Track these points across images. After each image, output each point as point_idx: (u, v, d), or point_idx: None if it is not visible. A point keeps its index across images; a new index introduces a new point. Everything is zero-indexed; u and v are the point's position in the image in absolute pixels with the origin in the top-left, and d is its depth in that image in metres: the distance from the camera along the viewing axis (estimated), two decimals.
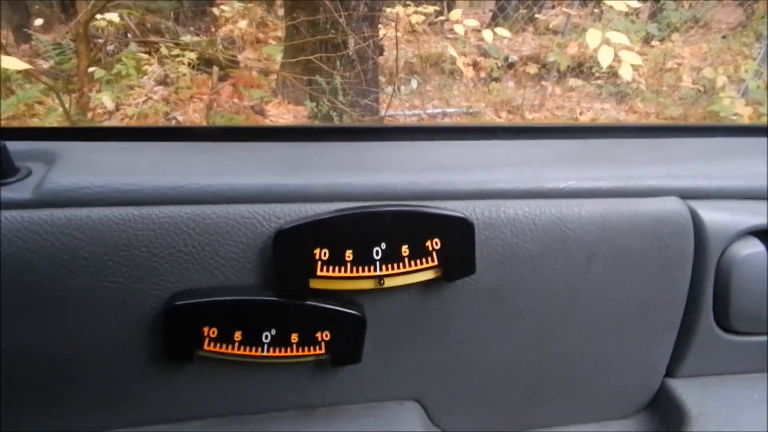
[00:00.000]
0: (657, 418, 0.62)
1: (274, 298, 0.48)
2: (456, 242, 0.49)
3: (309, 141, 0.62)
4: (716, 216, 0.55)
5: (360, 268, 0.47)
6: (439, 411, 0.58)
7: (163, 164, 0.51)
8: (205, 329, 0.47)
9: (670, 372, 0.62)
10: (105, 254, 0.46)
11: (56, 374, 0.49)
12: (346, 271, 0.47)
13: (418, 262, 0.48)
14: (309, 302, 0.48)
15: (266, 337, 0.48)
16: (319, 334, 0.49)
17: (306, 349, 0.49)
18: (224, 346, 0.48)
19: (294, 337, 0.49)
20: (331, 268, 0.47)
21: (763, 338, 0.61)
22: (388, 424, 0.55)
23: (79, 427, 0.51)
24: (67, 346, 0.48)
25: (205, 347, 0.48)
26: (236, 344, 0.48)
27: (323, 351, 0.49)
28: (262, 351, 0.48)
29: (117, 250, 0.46)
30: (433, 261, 0.48)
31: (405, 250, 0.48)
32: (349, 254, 0.47)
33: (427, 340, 0.54)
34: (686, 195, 0.56)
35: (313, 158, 0.56)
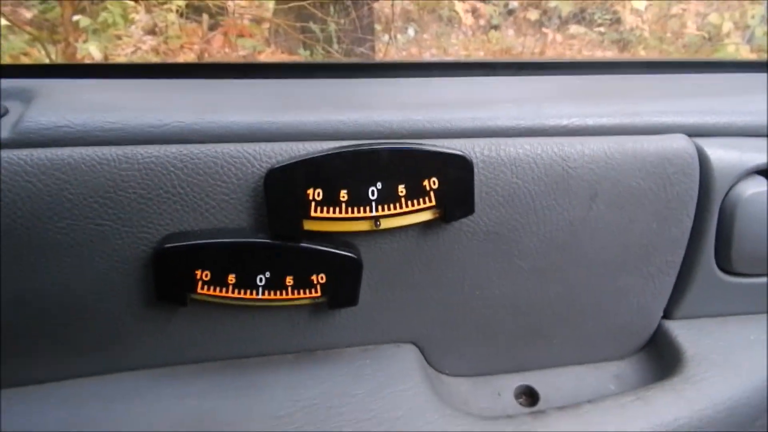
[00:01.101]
0: (653, 360, 0.63)
1: (268, 241, 0.47)
2: (454, 181, 0.47)
3: (301, 78, 0.59)
4: (723, 154, 0.53)
5: (355, 209, 0.46)
6: (436, 353, 0.58)
7: (146, 102, 0.49)
8: (198, 272, 0.46)
9: (667, 313, 0.61)
10: (89, 196, 0.44)
11: (47, 320, 0.48)
12: (341, 212, 0.45)
13: (416, 202, 0.47)
14: (303, 244, 0.47)
15: (260, 280, 0.47)
16: (314, 277, 0.48)
17: (301, 291, 0.48)
18: (218, 289, 0.47)
19: (289, 280, 0.48)
20: (325, 208, 0.45)
21: (763, 279, 0.60)
22: (385, 367, 0.55)
23: (73, 372, 0.51)
24: (56, 291, 0.47)
25: (199, 290, 0.47)
26: (230, 287, 0.47)
27: (319, 294, 0.49)
28: (257, 294, 0.47)
29: (102, 192, 0.44)
30: (430, 201, 0.47)
31: (402, 189, 0.46)
32: (343, 194, 0.45)
33: (424, 282, 0.53)
34: (693, 132, 0.54)
35: (306, 95, 0.53)
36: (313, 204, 0.45)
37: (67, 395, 0.50)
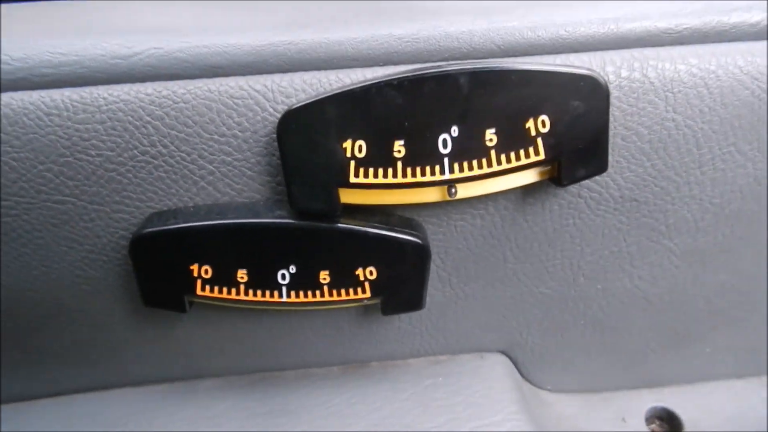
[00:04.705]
0: None
1: (290, 220, 0.32)
2: (577, 121, 0.29)
3: None
4: None
5: (418, 170, 0.29)
6: (534, 364, 0.42)
7: (109, 23, 0.34)
8: (195, 268, 0.32)
9: None
10: (39, 162, 0.31)
11: (14, 326, 0.36)
12: (395, 174, 0.29)
13: (513, 156, 0.29)
14: (342, 224, 0.32)
15: (283, 276, 0.33)
16: (360, 271, 0.33)
17: (343, 292, 0.33)
18: (224, 290, 0.33)
19: (324, 276, 0.33)
20: (371, 170, 0.29)
21: None
22: (465, 385, 0.40)
23: (55, 388, 0.40)
24: (20, 289, 0.35)
25: (199, 292, 0.33)
26: (241, 287, 0.33)
27: (368, 294, 0.33)
28: (280, 296, 0.33)
29: (55, 154, 0.31)
30: (537, 153, 0.29)
31: (490, 137, 0.29)
32: (399, 147, 0.29)
33: (521, 272, 0.37)
34: None
35: (331, 5, 0.37)
36: (353, 164, 0.29)
37: (51, 414, 0.39)
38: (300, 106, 0.29)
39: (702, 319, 0.41)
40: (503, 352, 0.42)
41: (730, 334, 0.42)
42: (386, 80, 0.28)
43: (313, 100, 0.29)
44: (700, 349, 0.43)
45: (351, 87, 0.28)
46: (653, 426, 0.44)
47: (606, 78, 0.30)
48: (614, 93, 0.31)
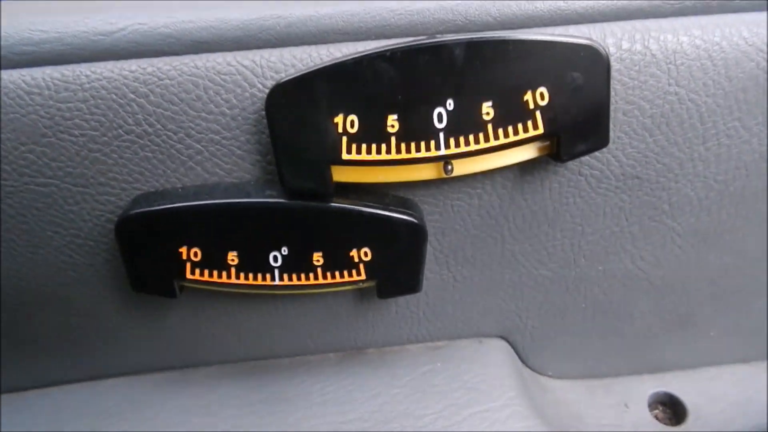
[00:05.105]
0: None
1: (281, 200, 0.31)
2: (574, 94, 0.28)
3: None
4: None
5: (413, 145, 0.28)
6: (535, 349, 0.41)
7: None
8: (184, 250, 0.31)
9: None
10: (20, 142, 0.30)
11: (9, 315, 0.36)
12: (389, 150, 0.28)
13: (511, 130, 0.28)
14: (335, 203, 0.31)
15: (275, 258, 0.32)
16: (355, 253, 0.32)
17: (337, 274, 0.32)
18: (215, 273, 0.32)
19: (317, 258, 0.32)
20: (364, 146, 0.28)
21: None
22: (463, 371, 0.39)
23: (46, 379, 0.39)
24: (10, 280, 0.34)
25: (188, 276, 0.32)
26: (232, 270, 0.32)
27: (364, 276, 0.32)
28: (272, 279, 0.32)
29: (37, 134, 0.30)
30: (536, 127, 0.28)
31: (487, 110, 0.28)
32: (392, 122, 0.28)
33: (519, 253, 0.36)
34: None
35: None
36: (345, 140, 0.28)
37: (42, 405, 0.38)
38: (289, 80, 0.28)
39: (706, 301, 0.40)
40: (502, 337, 0.41)
41: (735, 318, 0.41)
42: (378, 52, 0.27)
43: (302, 73, 0.27)
44: (703, 333, 0.42)
45: (342, 59, 0.27)
46: (656, 412, 0.43)
47: (605, 48, 0.29)
48: (615, 66, 0.30)
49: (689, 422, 0.41)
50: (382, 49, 0.27)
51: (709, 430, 0.40)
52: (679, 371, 0.44)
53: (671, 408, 0.43)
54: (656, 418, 0.42)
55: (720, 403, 0.42)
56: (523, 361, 0.42)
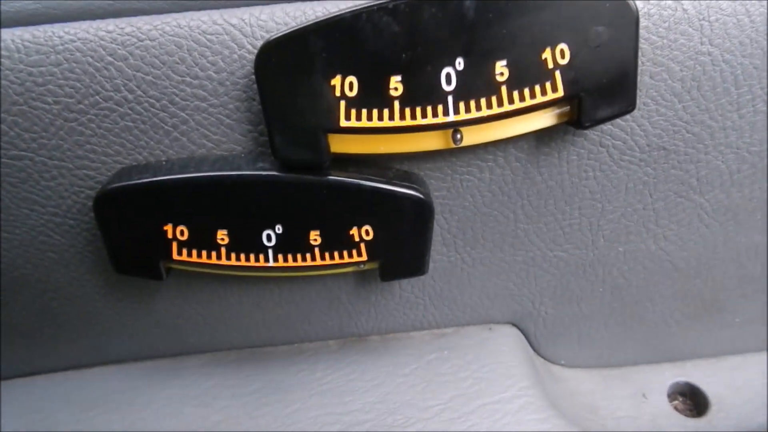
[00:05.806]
0: None
1: (274, 173, 0.28)
2: (598, 51, 0.25)
3: None
4: None
5: (418, 111, 0.26)
6: (547, 337, 0.39)
7: None
8: (169, 228, 0.29)
9: None
10: None
11: None
12: (392, 115, 0.26)
13: (527, 93, 0.26)
14: (333, 176, 0.28)
15: (268, 237, 0.29)
16: (355, 231, 0.29)
17: (336, 255, 0.30)
18: (203, 253, 0.29)
19: (314, 237, 0.29)
20: (364, 112, 0.26)
21: None
22: (471, 359, 0.37)
23: (36, 366, 0.37)
24: None
25: (175, 256, 0.30)
26: (222, 250, 0.29)
27: (365, 257, 0.30)
28: (266, 259, 0.30)
29: (7, 102, 0.27)
30: (555, 89, 0.26)
31: (501, 70, 0.25)
32: (395, 84, 0.25)
33: (532, 233, 0.33)
34: None
35: None
36: (343, 104, 0.25)
37: (26, 394, 0.36)
38: (280, 37, 0.25)
39: (732, 286, 0.37)
40: (514, 324, 0.38)
41: (762, 303, 0.38)
42: (380, 4, 0.24)
43: (295, 29, 0.25)
44: (728, 320, 0.39)
45: (339, 13, 0.25)
46: (676, 403, 0.41)
47: (636, 6, 0.26)
48: (642, 23, 0.27)
49: (711, 414, 0.39)
50: (384, 1, 0.24)
51: (731, 423, 0.38)
52: (701, 360, 0.41)
53: (692, 399, 0.41)
54: (676, 409, 0.40)
55: (744, 393, 0.40)
56: (535, 350, 0.40)
